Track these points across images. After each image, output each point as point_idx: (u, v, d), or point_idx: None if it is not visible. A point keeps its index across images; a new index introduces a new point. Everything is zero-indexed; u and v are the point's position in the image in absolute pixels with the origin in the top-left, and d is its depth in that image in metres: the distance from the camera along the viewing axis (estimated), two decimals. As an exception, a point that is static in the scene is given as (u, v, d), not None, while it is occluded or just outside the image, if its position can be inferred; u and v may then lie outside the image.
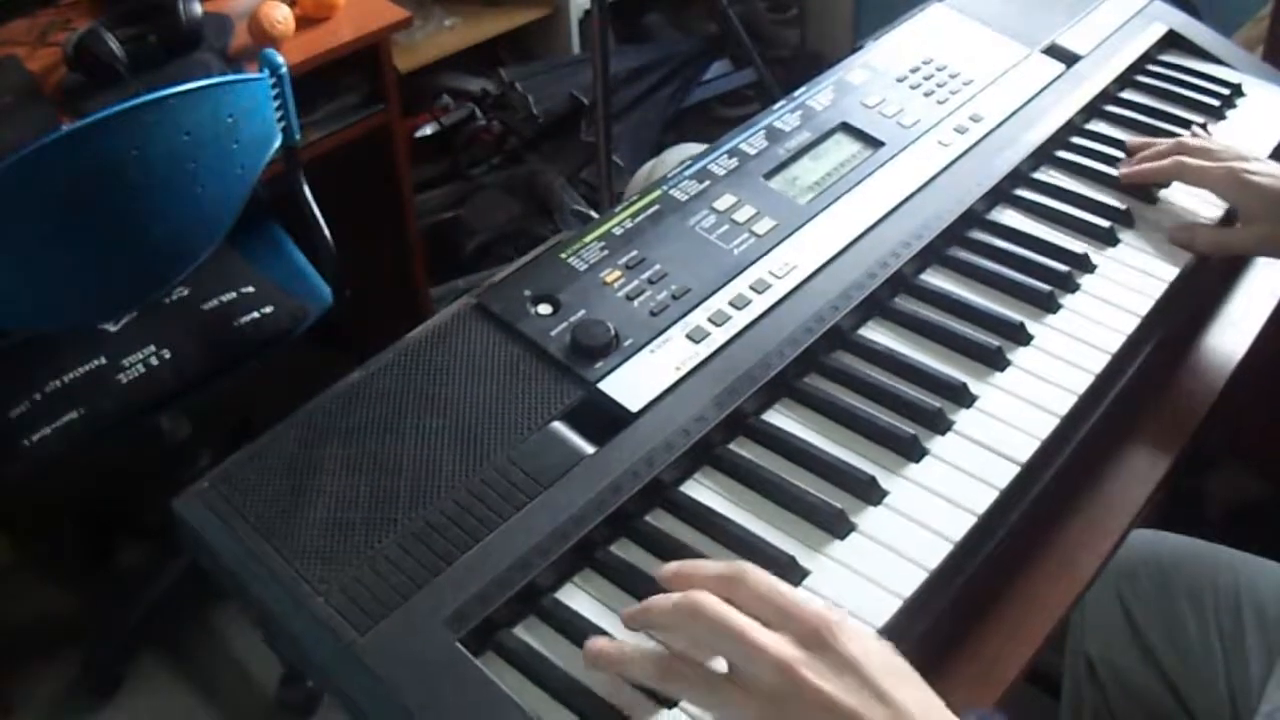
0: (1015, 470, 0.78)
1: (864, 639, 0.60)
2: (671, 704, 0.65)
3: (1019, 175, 1.03)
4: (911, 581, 0.72)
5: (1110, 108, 1.14)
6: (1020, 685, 0.76)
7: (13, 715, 1.87)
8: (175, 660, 1.95)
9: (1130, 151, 1.05)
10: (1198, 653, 1.12)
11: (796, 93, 1.07)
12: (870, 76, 1.09)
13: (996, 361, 0.85)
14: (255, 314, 1.71)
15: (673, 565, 0.67)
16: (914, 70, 1.10)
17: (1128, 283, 0.94)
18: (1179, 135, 1.09)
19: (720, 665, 0.62)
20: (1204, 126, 1.11)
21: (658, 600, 0.64)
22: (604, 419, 0.78)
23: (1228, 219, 1.01)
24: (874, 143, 1.02)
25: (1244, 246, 0.99)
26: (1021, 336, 0.88)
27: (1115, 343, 0.88)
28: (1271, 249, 0.98)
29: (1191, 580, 1.14)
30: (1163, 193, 1.03)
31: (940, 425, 0.81)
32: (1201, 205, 1.02)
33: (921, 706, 0.58)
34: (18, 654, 1.94)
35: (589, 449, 0.76)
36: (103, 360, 1.61)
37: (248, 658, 1.95)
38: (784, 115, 1.04)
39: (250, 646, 1.95)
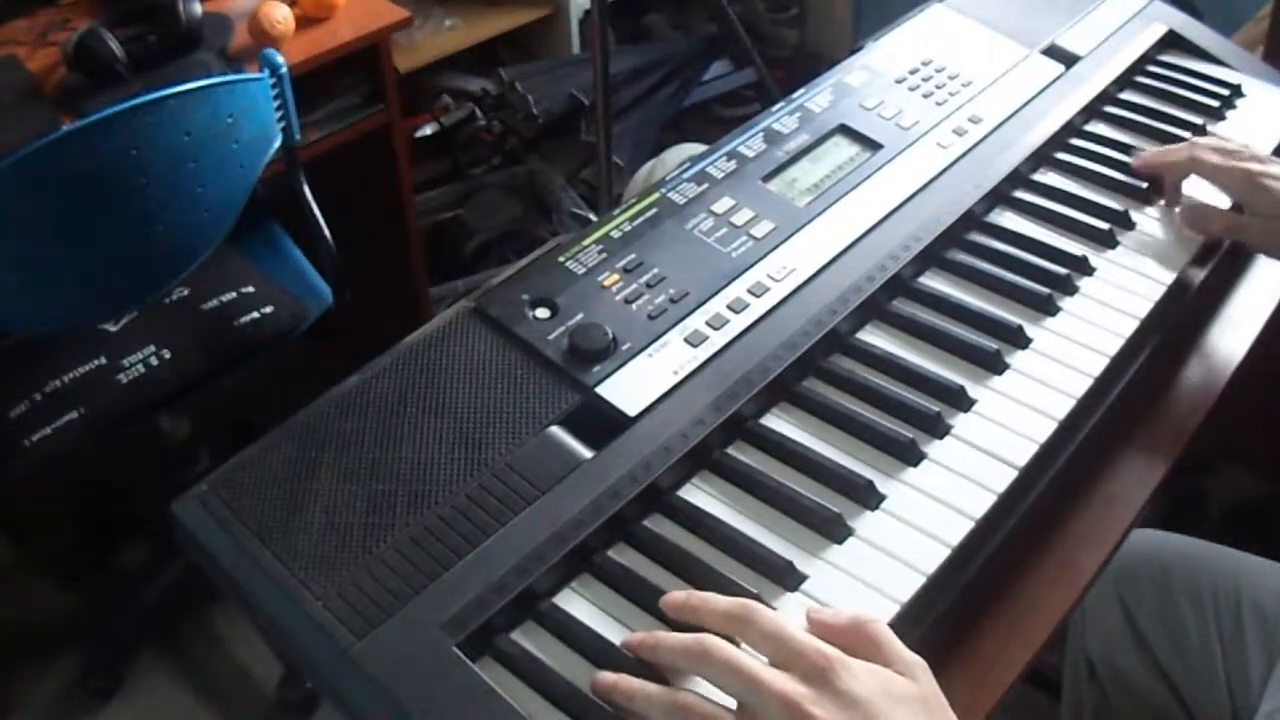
0: (1014, 474, 0.78)
1: (868, 674, 0.61)
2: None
3: (1018, 177, 1.03)
4: (910, 586, 0.72)
5: (1110, 109, 1.14)
6: (1020, 686, 0.76)
7: (13, 715, 1.88)
8: (175, 660, 1.95)
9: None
10: (1198, 653, 1.12)
11: (795, 95, 1.07)
12: (869, 78, 1.09)
13: (995, 365, 0.85)
14: (255, 314, 1.71)
15: (679, 596, 0.68)
16: (913, 71, 1.10)
17: (1126, 285, 0.94)
18: (1181, 136, 1.09)
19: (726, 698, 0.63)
20: (1203, 129, 1.11)
21: (666, 639, 0.65)
22: (602, 423, 0.78)
23: (1236, 210, 1.00)
24: (873, 145, 1.02)
25: (1253, 237, 0.99)
26: (1020, 340, 0.88)
27: (1114, 346, 0.88)
28: (1272, 250, 0.98)
29: (1191, 580, 1.14)
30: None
31: (939, 429, 0.81)
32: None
33: None
34: (18, 654, 1.94)
35: (587, 453, 0.76)
36: (103, 360, 1.61)
37: (248, 658, 1.95)
38: (782, 117, 1.04)
39: (250, 646, 1.95)
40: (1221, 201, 1.01)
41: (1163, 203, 1.02)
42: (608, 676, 0.65)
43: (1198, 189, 1.02)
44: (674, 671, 0.65)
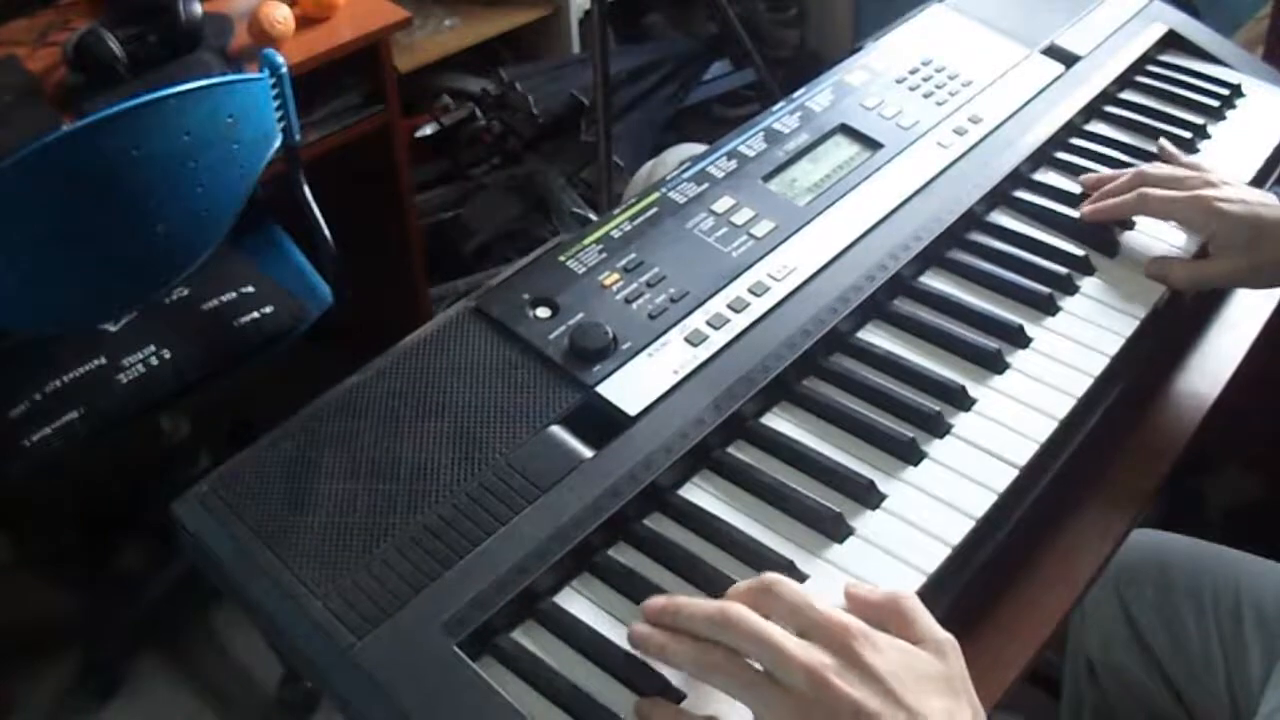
0: (1014, 474, 0.78)
1: (892, 648, 0.62)
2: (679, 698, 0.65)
3: (1018, 177, 1.03)
4: (910, 585, 0.71)
5: (1110, 108, 1.14)
6: (1020, 686, 0.76)
7: (13, 715, 1.88)
8: (175, 661, 1.95)
9: (1087, 188, 1.01)
10: (1198, 653, 1.12)
11: (795, 94, 1.07)
12: (869, 78, 1.09)
13: (995, 364, 0.85)
14: (255, 314, 1.71)
15: (659, 600, 0.67)
16: (913, 71, 1.10)
17: (1127, 285, 0.94)
18: (1182, 136, 1.09)
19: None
20: (1191, 143, 1.09)
21: (688, 604, 0.65)
22: (602, 423, 0.78)
23: (1204, 249, 0.97)
24: (873, 144, 1.02)
25: (1219, 278, 0.95)
26: (1020, 339, 0.88)
27: (1114, 345, 0.88)
28: (1246, 279, 0.95)
29: (1191, 580, 1.14)
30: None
31: (939, 428, 0.81)
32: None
33: (941, 714, 0.60)
34: (18, 654, 1.94)
35: (587, 453, 0.76)
36: (103, 360, 1.61)
37: (248, 658, 1.95)
38: (783, 117, 1.04)
39: (250, 646, 1.95)
40: (1180, 239, 0.98)
41: (1128, 247, 0.97)
42: (642, 627, 0.65)
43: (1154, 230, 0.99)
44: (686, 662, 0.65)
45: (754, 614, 0.62)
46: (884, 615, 0.64)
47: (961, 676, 0.63)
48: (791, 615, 0.63)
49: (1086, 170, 1.04)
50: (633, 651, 0.67)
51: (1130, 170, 1.00)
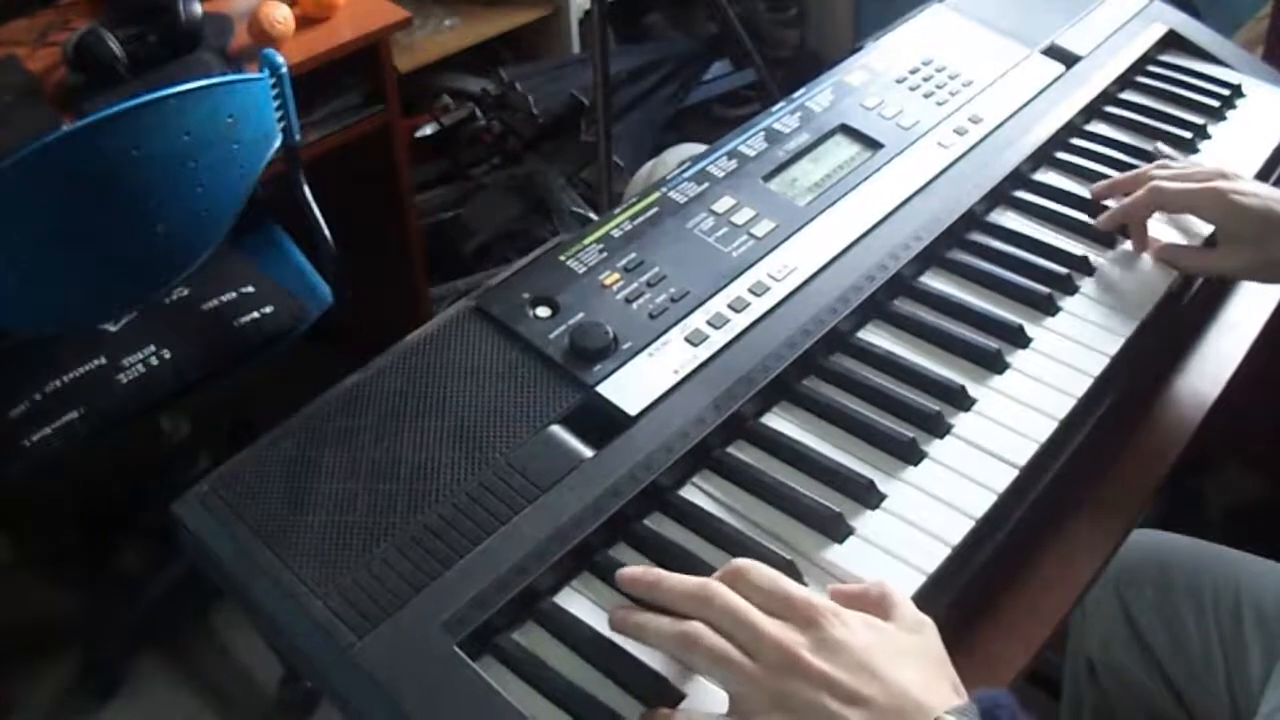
0: (1014, 474, 0.78)
1: (863, 625, 0.63)
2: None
3: (1018, 177, 1.03)
4: (910, 585, 0.72)
5: (1110, 109, 1.14)
6: (1020, 686, 0.76)
7: (13, 715, 1.87)
8: (175, 661, 1.95)
9: (1097, 197, 1.00)
10: (1198, 653, 1.12)
11: (795, 94, 1.07)
12: (869, 78, 1.09)
13: (995, 364, 0.85)
14: (255, 314, 1.71)
15: (635, 570, 0.69)
16: (913, 71, 1.10)
17: (1127, 285, 0.94)
18: (1182, 136, 1.09)
19: None
20: (1191, 143, 1.09)
21: (666, 577, 0.66)
22: (602, 422, 0.78)
23: (1212, 241, 0.98)
24: (873, 144, 1.02)
25: (1228, 269, 0.96)
26: (1020, 339, 0.88)
27: (1114, 345, 0.88)
28: (1255, 273, 0.96)
29: (1191, 580, 1.14)
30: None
31: (939, 428, 0.81)
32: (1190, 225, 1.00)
33: (917, 685, 0.61)
34: (18, 654, 1.94)
35: (587, 452, 0.76)
36: (103, 360, 1.61)
37: (248, 658, 1.95)
38: (783, 117, 1.04)
39: (250, 646, 1.95)
40: (1195, 229, 0.99)
41: (1129, 247, 0.97)
42: (622, 608, 0.67)
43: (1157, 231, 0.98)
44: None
45: (732, 592, 0.64)
46: (861, 603, 0.66)
47: (938, 651, 0.64)
48: (762, 597, 0.64)
49: (1087, 170, 1.05)
50: (632, 651, 0.67)
51: (1138, 170, 1.00)
